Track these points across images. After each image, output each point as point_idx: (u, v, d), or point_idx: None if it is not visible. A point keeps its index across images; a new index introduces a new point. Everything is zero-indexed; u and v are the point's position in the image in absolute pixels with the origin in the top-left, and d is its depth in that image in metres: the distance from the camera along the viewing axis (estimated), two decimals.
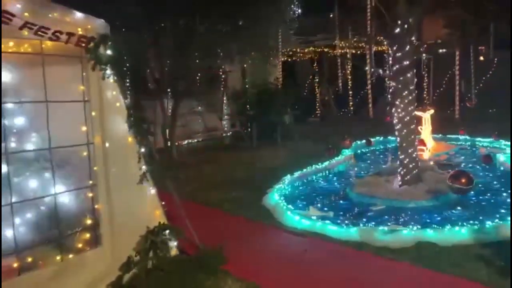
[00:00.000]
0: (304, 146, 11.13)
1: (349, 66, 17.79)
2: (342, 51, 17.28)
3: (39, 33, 2.95)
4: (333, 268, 4.13)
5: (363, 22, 10.24)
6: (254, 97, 11.88)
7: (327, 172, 7.95)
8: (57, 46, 3.16)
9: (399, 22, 5.83)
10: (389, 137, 10.67)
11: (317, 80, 18.33)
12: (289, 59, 17.09)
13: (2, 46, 2.94)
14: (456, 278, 3.75)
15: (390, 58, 6.17)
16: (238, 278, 3.88)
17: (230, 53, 9.89)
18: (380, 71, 6.80)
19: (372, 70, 12.80)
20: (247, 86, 12.28)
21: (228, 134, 12.64)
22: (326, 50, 17.02)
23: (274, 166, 8.79)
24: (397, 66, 6.08)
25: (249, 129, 11.79)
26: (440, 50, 15.06)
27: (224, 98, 12.45)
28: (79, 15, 3.16)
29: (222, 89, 12.26)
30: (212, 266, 4.08)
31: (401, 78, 6.10)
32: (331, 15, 15.66)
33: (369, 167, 8.37)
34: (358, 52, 15.83)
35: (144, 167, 3.70)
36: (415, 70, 6.24)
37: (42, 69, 3.14)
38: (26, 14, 2.85)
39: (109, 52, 3.37)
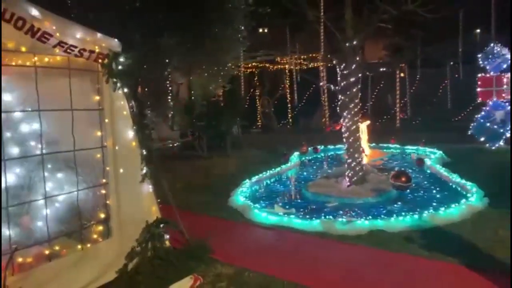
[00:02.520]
0: (252, 154, 11.93)
1: (287, 80, 18.98)
2: (284, 66, 18.42)
3: (68, 50, 3.42)
4: (304, 251, 4.87)
5: (311, 41, 11.33)
6: (204, 108, 12.51)
7: (280, 176, 8.72)
8: (78, 61, 3.63)
9: (347, 44, 6.78)
10: (329, 146, 11.81)
11: (258, 93, 19.33)
12: (236, 73, 17.91)
13: (37, 61, 3.37)
14: (402, 254, 4.62)
15: (339, 75, 7.11)
16: (226, 263, 4.50)
17: (184, 66, 10.41)
18: (332, 86, 7.71)
19: (322, 84, 14.15)
20: (197, 98, 12.83)
21: (179, 144, 13.08)
22: (267, 65, 18.03)
23: (229, 173, 9.45)
24: (344, 82, 7.03)
25: (200, 139, 12.33)
26: (381, 69, 16.80)
27: (174, 109, 12.89)
28: (99, 35, 3.66)
29: (173, 100, 12.69)
30: (201, 255, 4.66)
31: (348, 93, 7.05)
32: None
33: (317, 171, 9.27)
34: (302, 67, 16.96)
35: (145, 168, 4.21)
36: (359, 86, 7.23)
37: (60, 81, 3.59)
38: (58, 34, 3.32)
39: (120, 67, 3.88)
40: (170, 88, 12.65)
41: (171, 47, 8.25)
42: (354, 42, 6.84)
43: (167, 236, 4.50)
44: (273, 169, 8.92)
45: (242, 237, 5.47)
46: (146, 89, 9.63)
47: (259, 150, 12.43)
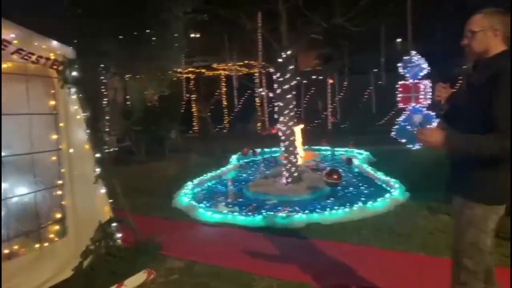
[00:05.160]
0: (190, 158, 12.17)
1: (224, 85, 19.42)
2: (220, 72, 18.80)
3: (26, 57, 3.57)
4: (247, 244, 5.25)
5: (248, 48, 11.83)
6: (142, 113, 12.56)
7: (221, 178, 9.08)
8: (34, 67, 3.78)
9: (283, 53, 7.32)
10: (266, 149, 12.36)
11: (194, 98, 19.55)
12: (174, 78, 18.00)
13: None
14: (334, 242, 5.17)
15: (275, 82, 7.63)
16: (176, 258, 4.80)
17: (123, 71, 10.47)
18: (269, 92, 8.20)
19: (260, 90, 14.81)
20: (135, 103, 12.85)
21: (116, 149, 12.99)
22: (203, 70, 18.32)
23: (170, 176, 9.65)
24: (280, 89, 7.55)
25: (138, 144, 12.36)
26: (314, 77, 17.77)
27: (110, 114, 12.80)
28: (54, 43, 3.83)
29: (110, 105, 12.61)
30: (151, 251, 4.92)
31: (284, 99, 7.58)
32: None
33: (255, 172, 9.74)
34: (239, 73, 17.41)
35: (98, 169, 4.41)
36: (294, 92, 7.79)
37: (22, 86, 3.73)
38: (15, 42, 3.47)
39: (74, 73, 4.06)
40: (106, 93, 12.57)
41: (111, 52, 8.33)
42: (289, 52, 7.38)
43: (119, 235, 4.70)
44: (214, 172, 9.26)
45: (189, 234, 5.76)
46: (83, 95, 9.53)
47: (197, 154, 12.70)
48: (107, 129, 12.19)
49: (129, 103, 14.08)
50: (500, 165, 2.28)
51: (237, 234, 5.64)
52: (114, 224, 4.61)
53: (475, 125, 2.29)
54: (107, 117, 12.66)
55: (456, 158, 2.50)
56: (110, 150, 13.03)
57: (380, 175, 8.07)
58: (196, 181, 8.43)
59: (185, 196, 7.26)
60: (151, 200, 7.50)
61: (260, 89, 15.91)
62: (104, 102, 12.49)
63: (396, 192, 6.84)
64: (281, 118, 7.69)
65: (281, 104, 7.63)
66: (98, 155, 4.38)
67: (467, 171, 2.40)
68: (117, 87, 12.76)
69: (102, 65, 10.50)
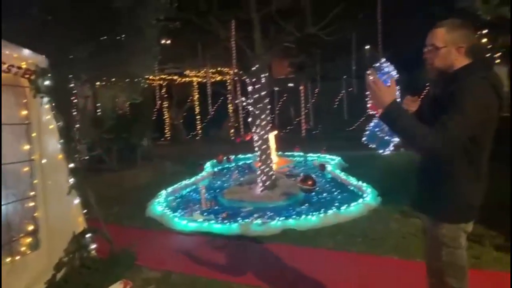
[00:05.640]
0: (164, 166, 12.05)
1: (196, 92, 19.36)
2: (192, 79, 18.74)
3: None
4: (223, 252, 5.26)
5: (221, 56, 11.86)
6: (113, 121, 12.39)
7: (196, 186, 9.02)
8: (6, 77, 3.69)
9: (257, 61, 7.38)
10: (240, 156, 12.38)
11: (166, 104, 19.41)
12: (146, 85, 17.79)
13: None
14: (312, 249, 5.23)
15: (250, 89, 7.67)
16: (152, 269, 4.75)
17: (94, 79, 10.28)
18: (243, 99, 8.24)
19: (238, 101, 14.85)
20: (106, 110, 12.65)
21: (87, 157, 12.72)
22: (176, 77, 18.21)
23: (143, 184, 9.53)
24: (255, 96, 7.60)
25: (109, 152, 12.16)
26: (288, 84, 17.97)
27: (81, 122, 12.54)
28: (26, 51, 3.75)
29: (80, 113, 12.36)
30: (127, 262, 4.84)
31: (258, 106, 7.63)
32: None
33: (230, 179, 9.73)
34: (212, 80, 17.36)
35: (71, 180, 4.33)
36: (269, 99, 7.86)
37: None
38: None
39: (47, 82, 3.99)
40: (76, 100, 12.31)
41: (82, 60, 8.17)
42: (262, 60, 7.45)
43: (93, 246, 4.62)
44: (188, 179, 9.21)
45: (165, 244, 5.72)
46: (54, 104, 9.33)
47: (170, 162, 12.59)
48: (77, 137, 11.93)
49: (99, 110, 13.86)
50: (464, 184, 2.28)
51: (213, 243, 5.62)
52: (88, 235, 4.53)
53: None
54: (77, 125, 12.40)
55: (421, 177, 2.50)
56: (81, 158, 12.78)
57: (352, 181, 8.21)
58: (170, 189, 8.37)
59: (159, 205, 7.19)
60: (125, 210, 7.40)
61: (237, 101, 15.96)
62: (74, 110, 12.23)
63: (368, 197, 6.97)
64: (256, 125, 7.73)
65: (255, 111, 7.68)
66: (71, 165, 4.29)
67: (432, 191, 2.38)
68: (88, 95, 12.51)
69: (73, 73, 10.29)
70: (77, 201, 4.44)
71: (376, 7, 8.04)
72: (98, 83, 11.43)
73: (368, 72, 2.44)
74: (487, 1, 5.28)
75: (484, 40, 5.97)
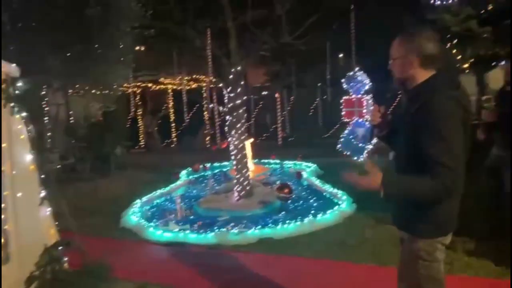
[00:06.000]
0: (138, 174, 11.88)
1: (171, 100, 19.23)
2: (167, 86, 18.62)
3: None
4: (199, 262, 5.22)
5: (196, 63, 11.87)
6: (86, 129, 12.18)
7: (171, 195, 8.92)
8: None
9: (233, 69, 7.39)
10: (216, 164, 12.32)
11: (140, 112, 19.20)
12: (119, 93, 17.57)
13: None
14: (289, 257, 5.24)
15: (226, 97, 7.67)
16: (127, 280, 4.66)
17: (67, 86, 10.11)
18: (220, 107, 8.23)
19: (211, 105, 14.85)
20: (79, 119, 12.44)
21: (59, 167, 12.44)
22: (150, 85, 18.06)
23: (117, 194, 9.34)
24: (231, 104, 7.60)
25: (82, 161, 11.93)
26: (263, 92, 18.06)
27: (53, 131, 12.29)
28: None
29: (52, 122, 12.11)
30: (101, 274, 4.73)
31: (235, 114, 7.63)
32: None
33: (206, 188, 9.66)
34: (187, 87, 17.31)
35: (43, 190, 4.22)
36: (244, 107, 7.87)
37: None
38: None
39: (17, 92, 3.89)
40: (47, 109, 12.06)
41: (55, 68, 8.02)
42: (239, 68, 7.47)
43: (66, 258, 4.50)
44: (163, 188, 9.10)
45: (140, 254, 5.63)
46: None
47: (145, 170, 12.44)
48: (49, 146, 11.68)
49: (72, 119, 13.59)
50: (446, 202, 2.24)
51: (189, 254, 5.57)
52: (60, 247, 4.41)
53: (408, 152, 2.28)
54: (48, 134, 12.13)
55: None
56: (53, 168, 12.48)
57: (328, 188, 8.27)
58: (144, 198, 8.24)
59: (133, 215, 7.08)
60: (98, 220, 7.25)
61: (212, 105, 15.94)
62: (46, 119, 11.98)
63: (344, 204, 7.04)
64: (232, 133, 7.72)
65: (231, 119, 7.67)
66: (43, 175, 4.18)
67: (408, 206, 2.36)
68: (60, 103, 12.27)
69: (45, 81, 10.09)
70: (49, 212, 4.33)
71: (349, 17, 8.19)
72: (70, 91, 11.26)
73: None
74: (456, 14, 5.47)
75: (454, 51, 6.18)
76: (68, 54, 8.62)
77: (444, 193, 2.11)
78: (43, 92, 11.49)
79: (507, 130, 4.51)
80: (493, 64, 7.52)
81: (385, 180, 2.16)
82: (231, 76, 7.38)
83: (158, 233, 6.21)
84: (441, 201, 2.21)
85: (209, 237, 5.92)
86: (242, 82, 7.61)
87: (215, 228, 6.32)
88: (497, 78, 11.45)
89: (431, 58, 2.25)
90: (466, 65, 6.75)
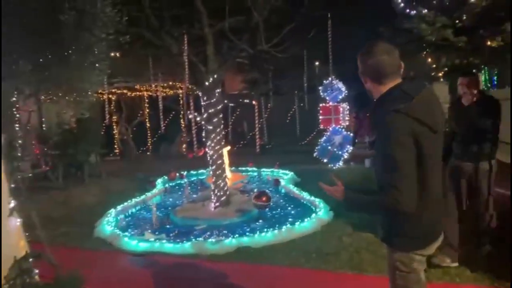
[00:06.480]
0: (113, 183, 11.65)
1: (147, 106, 18.99)
2: (143, 93, 18.38)
3: None
4: (175, 273, 5.13)
5: (173, 70, 11.75)
6: (59, 136, 11.89)
7: (147, 203, 8.77)
8: None
9: (210, 77, 7.33)
10: (192, 171, 12.20)
11: (115, 119, 18.88)
12: (94, 99, 17.22)
13: None
14: (267, 266, 5.19)
15: (203, 105, 7.60)
16: None
17: (39, 93, 9.83)
18: (197, 114, 8.15)
19: (190, 115, 14.71)
20: (52, 126, 12.13)
21: (31, 175, 12.08)
22: (125, 91, 17.78)
23: (91, 203, 9.13)
24: (208, 112, 7.54)
25: (55, 169, 11.63)
26: (241, 100, 18.02)
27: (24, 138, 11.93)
28: None
29: (23, 129, 11.74)
30: (72, 286, 4.58)
31: (212, 121, 7.57)
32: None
33: (182, 196, 9.53)
34: (163, 94, 17.08)
35: (13, 201, 4.06)
36: (222, 115, 7.81)
37: None
38: None
39: None
40: (18, 115, 11.70)
41: (27, 74, 7.79)
42: (216, 76, 7.42)
43: (36, 271, 4.34)
44: (138, 197, 8.94)
45: (114, 265, 5.48)
46: None
47: (120, 178, 12.22)
48: (19, 154, 11.30)
49: (45, 126, 13.25)
50: (418, 215, 2.20)
51: (165, 264, 5.46)
52: (31, 259, 4.25)
53: (378, 163, 2.28)
54: (19, 141, 11.76)
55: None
56: (24, 176, 12.11)
57: (305, 195, 8.28)
58: (119, 207, 8.07)
59: (108, 225, 6.92)
60: (71, 230, 7.05)
61: (191, 115, 15.80)
62: (17, 126, 11.60)
63: (321, 211, 7.04)
64: (210, 140, 7.65)
65: (209, 127, 7.61)
66: (13, 185, 4.03)
67: (385, 219, 2.38)
68: (32, 109, 11.92)
69: (16, 87, 9.80)
70: (18, 223, 4.17)
71: (326, 26, 8.27)
72: (43, 97, 10.96)
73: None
74: (432, 23, 5.58)
75: (429, 60, 6.29)
76: (38, 60, 8.42)
77: (393, 209, 2.12)
78: (14, 99, 11.17)
79: (460, 141, 4.60)
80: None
81: (345, 195, 2.33)
82: (208, 83, 7.32)
83: (133, 243, 6.08)
84: (400, 215, 2.19)
85: (186, 246, 5.83)
86: (219, 90, 7.56)
87: (192, 237, 6.23)
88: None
89: (380, 74, 2.23)
90: (440, 74, 6.90)
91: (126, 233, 6.51)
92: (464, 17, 5.61)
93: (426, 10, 5.84)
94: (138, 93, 18.27)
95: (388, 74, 2.23)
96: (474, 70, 6.31)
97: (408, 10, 6.35)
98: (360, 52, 2.30)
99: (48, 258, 4.47)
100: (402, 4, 6.76)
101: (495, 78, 12.44)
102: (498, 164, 4.62)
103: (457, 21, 5.73)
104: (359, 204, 2.36)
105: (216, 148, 7.65)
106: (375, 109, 2.27)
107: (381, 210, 2.27)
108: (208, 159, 7.78)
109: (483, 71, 10.81)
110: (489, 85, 12.33)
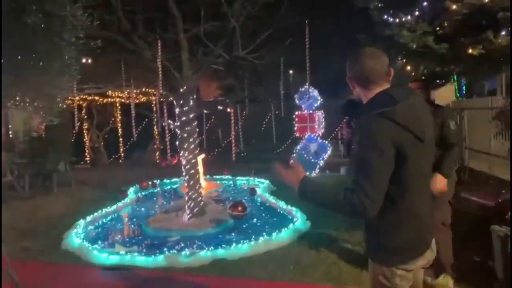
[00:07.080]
0: (83, 192, 11.28)
1: (119, 113, 18.58)
2: (115, 99, 17.97)
3: None
4: (149, 287, 4.90)
5: (146, 76, 11.48)
6: (26, 144, 11.44)
7: (118, 214, 8.45)
8: None
9: (184, 83, 7.14)
10: (165, 180, 11.92)
11: (86, 126, 18.37)
12: (64, 106, 16.70)
13: None
14: (244, 279, 5.02)
15: (177, 112, 7.39)
16: None
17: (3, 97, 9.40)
18: (171, 121, 7.93)
19: (164, 123, 14.42)
20: (18, 133, 11.67)
21: None
22: (96, 98, 17.35)
23: (59, 214, 8.76)
24: (183, 119, 7.33)
25: (21, 178, 11.16)
26: (217, 107, 17.84)
27: None
28: None
29: None
30: None
31: (186, 128, 7.36)
32: None
33: (155, 206, 9.24)
34: (136, 101, 16.72)
35: None
36: (196, 122, 7.62)
37: None
38: None
39: None
40: None
41: None
42: (190, 81, 7.24)
43: None
44: (109, 207, 8.62)
45: (82, 280, 5.20)
46: None
47: (90, 187, 11.86)
48: None
49: (11, 133, 12.71)
50: (389, 228, 2.15)
51: (137, 278, 5.21)
52: None
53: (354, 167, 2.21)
54: None
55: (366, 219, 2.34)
56: None
57: (281, 204, 8.15)
58: (89, 218, 7.74)
59: (76, 237, 6.60)
60: (37, 243, 6.70)
61: (165, 123, 15.52)
62: None
63: (298, 221, 6.91)
64: (184, 148, 7.44)
65: (183, 134, 7.40)
66: None
67: (368, 233, 2.30)
68: None
69: None
70: None
71: (303, 34, 8.21)
72: (9, 103, 10.50)
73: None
74: (413, 30, 5.56)
75: (408, 68, 6.28)
76: (5, 64, 8.06)
77: (354, 210, 2.00)
78: None
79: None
80: (443, 81, 7.78)
81: (303, 178, 2.24)
82: (182, 90, 7.13)
83: (103, 256, 5.79)
84: (355, 218, 2.14)
85: (159, 259, 5.58)
86: (194, 96, 7.38)
87: (165, 249, 5.98)
88: (444, 95, 11.97)
89: (367, 79, 2.18)
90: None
91: (96, 246, 6.20)
92: (446, 24, 5.59)
93: (405, 18, 5.81)
94: (109, 99, 17.87)
95: (375, 79, 2.17)
96: (449, 79, 6.33)
97: (386, 17, 6.32)
98: (350, 55, 2.24)
99: (10, 275, 4.16)
100: (377, 12, 6.74)
101: (464, 88, 12.72)
102: (471, 172, 4.58)
103: (437, 28, 5.72)
104: (317, 191, 2.19)
105: (190, 156, 7.44)
106: (362, 114, 2.18)
107: (338, 205, 2.07)
108: (182, 168, 7.56)
109: (454, 81, 11.00)
110: (458, 94, 12.59)
